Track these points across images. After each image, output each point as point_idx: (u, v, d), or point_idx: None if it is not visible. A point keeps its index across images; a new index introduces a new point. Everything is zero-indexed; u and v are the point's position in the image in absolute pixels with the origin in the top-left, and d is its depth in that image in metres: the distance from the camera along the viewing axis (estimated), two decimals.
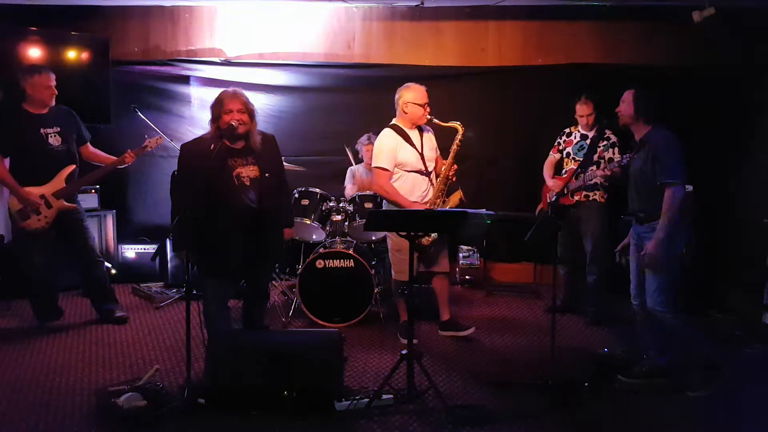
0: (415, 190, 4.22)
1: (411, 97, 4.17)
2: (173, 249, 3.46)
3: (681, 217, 3.42)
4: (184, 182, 3.36)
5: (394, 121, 4.29)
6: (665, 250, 3.38)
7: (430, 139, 4.35)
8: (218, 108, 3.43)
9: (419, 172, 4.23)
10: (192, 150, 3.43)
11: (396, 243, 4.24)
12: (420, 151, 4.23)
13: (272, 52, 6.03)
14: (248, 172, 3.48)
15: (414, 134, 4.24)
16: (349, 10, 5.97)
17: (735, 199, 5.45)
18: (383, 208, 4.38)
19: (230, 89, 3.54)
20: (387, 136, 4.23)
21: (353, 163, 5.62)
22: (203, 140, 3.48)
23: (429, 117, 4.21)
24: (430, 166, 4.28)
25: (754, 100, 5.43)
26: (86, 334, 4.46)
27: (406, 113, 4.20)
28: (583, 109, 4.78)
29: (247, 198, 3.46)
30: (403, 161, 4.18)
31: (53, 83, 4.32)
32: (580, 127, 4.87)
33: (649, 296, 3.49)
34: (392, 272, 4.41)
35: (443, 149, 4.44)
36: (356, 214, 4.95)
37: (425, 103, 4.18)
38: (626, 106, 3.53)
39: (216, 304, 3.54)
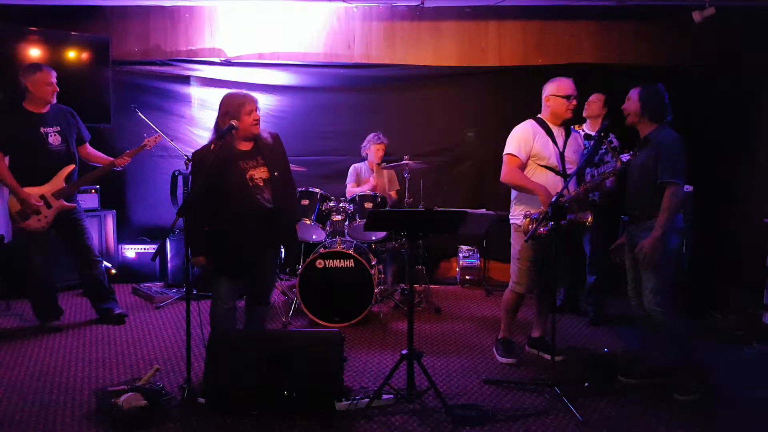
0: (549, 190, 3.71)
1: (553, 88, 3.82)
2: (192, 255, 3.45)
3: (678, 216, 3.43)
4: (199, 187, 3.36)
5: (538, 115, 3.93)
6: (661, 249, 3.38)
7: (576, 142, 3.93)
8: (238, 109, 3.41)
9: (555, 170, 3.77)
10: (203, 155, 3.43)
11: (521, 250, 3.84)
12: (560, 149, 3.81)
13: (272, 52, 6.04)
14: (260, 173, 3.49)
15: (558, 131, 3.84)
16: (349, 10, 5.98)
17: (735, 199, 5.46)
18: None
19: (242, 91, 3.58)
20: (525, 124, 3.88)
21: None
22: (211, 146, 3.48)
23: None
24: (569, 169, 3.79)
25: (754, 100, 5.43)
26: (86, 334, 4.46)
27: (548, 107, 3.85)
28: (596, 97, 4.75)
29: (263, 198, 3.48)
30: (538, 153, 3.77)
31: (54, 80, 4.33)
32: (584, 127, 4.86)
33: (645, 295, 3.50)
34: (510, 284, 3.97)
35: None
36: (356, 214, 4.95)
37: (569, 95, 3.78)
38: (632, 103, 3.54)
39: (226, 305, 3.55)
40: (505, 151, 3.86)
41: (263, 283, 3.75)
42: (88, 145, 4.65)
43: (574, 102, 3.82)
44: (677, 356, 3.54)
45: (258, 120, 3.47)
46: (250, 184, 3.46)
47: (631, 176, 3.61)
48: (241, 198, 3.44)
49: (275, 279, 4.04)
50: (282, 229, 3.61)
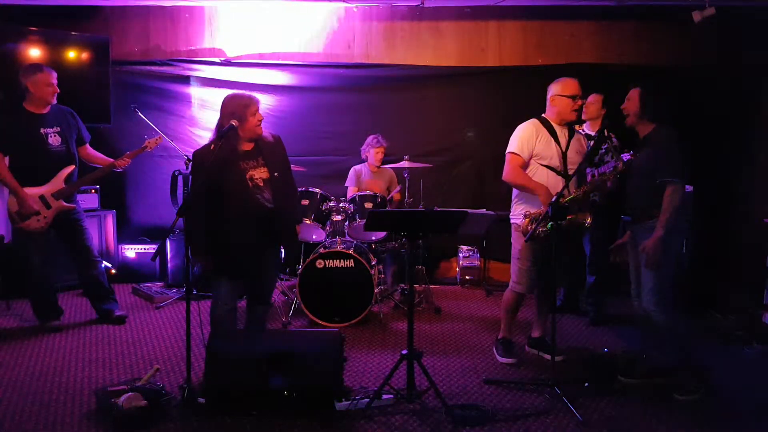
0: (550, 190, 3.70)
1: (558, 88, 3.82)
2: (192, 254, 3.45)
3: (679, 216, 3.43)
4: (200, 187, 3.37)
5: (542, 115, 3.93)
6: (663, 248, 3.38)
7: (579, 143, 3.92)
8: (243, 109, 3.42)
9: (556, 170, 3.77)
10: (203, 155, 3.44)
11: (522, 250, 3.84)
12: (563, 149, 3.81)
13: (272, 52, 6.04)
14: (260, 173, 3.50)
15: (561, 131, 3.84)
16: (349, 10, 5.98)
17: (735, 199, 5.46)
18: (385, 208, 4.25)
19: (245, 92, 3.58)
20: (528, 123, 3.87)
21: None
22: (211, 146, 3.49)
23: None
24: (571, 170, 3.77)
25: (754, 100, 5.43)
26: (86, 334, 4.46)
27: (554, 107, 3.84)
28: (594, 98, 4.76)
29: (263, 198, 3.49)
30: (540, 152, 3.78)
31: (55, 81, 4.33)
32: (584, 127, 4.86)
33: (644, 295, 3.50)
34: (510, 283, 3.97)
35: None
36: (356, 214, 4.95)
37: (574, 95, 3.78)
38: (632, 103, 3.54)
39: (226, 305, 3.55)
40: (508, 150, 3.87)
41: (264, 283, 3.74)
42: (88, 146, 4.64)
43: (579, 102, 3.83)
44: (677, 356, 3.54)
45: (261, 120, 3.49)
46: (250, 184, 3.47)
47: (632, 176, 3.61)
48: (241, 198, 3.45)
49: (276, 279, 4.04)
50: (282, 229, 3.62)
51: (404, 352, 3.36)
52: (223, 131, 3.36)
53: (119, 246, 5.86)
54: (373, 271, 4.72)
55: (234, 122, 3.37)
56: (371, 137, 5.52)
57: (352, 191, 5.44)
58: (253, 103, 3.46)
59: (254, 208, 3.46)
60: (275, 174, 3.53)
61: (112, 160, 4.58)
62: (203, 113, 5.95)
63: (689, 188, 4.74)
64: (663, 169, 3.38)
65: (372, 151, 5.49)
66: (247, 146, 3.51)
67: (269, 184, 3.51)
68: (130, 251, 5.87)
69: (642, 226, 3.52)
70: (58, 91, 4.37)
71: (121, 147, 4.81)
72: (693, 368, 3.50)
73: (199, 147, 3.62)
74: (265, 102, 5.91)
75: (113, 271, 5.59)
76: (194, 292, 4.78)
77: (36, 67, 4.38)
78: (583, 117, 4.78)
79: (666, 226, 3.37)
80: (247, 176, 3.47)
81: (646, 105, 3.48)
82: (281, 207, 3.54)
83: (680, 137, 3.46)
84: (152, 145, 4.64)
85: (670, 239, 3.41)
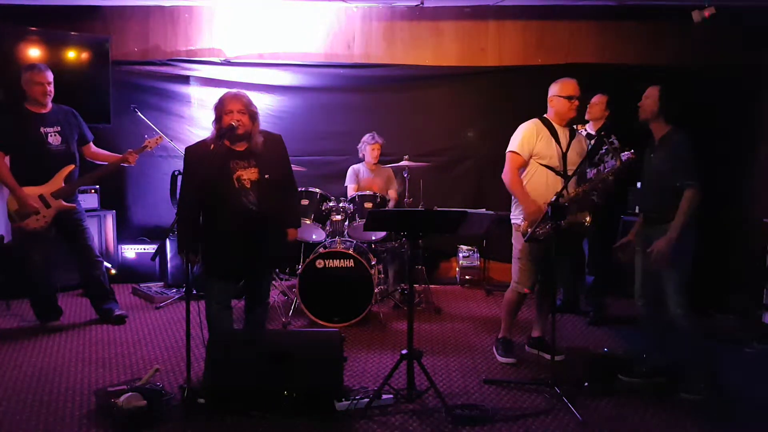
0: (549, 190, 3.69)
1: (556, 89, 3.85)
2: (177, 251, 3.45)
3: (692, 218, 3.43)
4: (188, 184, 3.38)
5: (544, 115, 3.95)
6: (675, 249, 3.37)
7: (580, 145, 3.94)
8: (219, 109, 3.43)
9: (556, 170, 3.80)
10: (195, 152, 3.44)
11: (522, 250, 3.87)
12: (563, 150, 3.84)
13: (272, 52, 6.03)
14: (249, 174, 3.47)
15: (562, 132, 3.86)
16: (349, 10, 5.98)
17: (735, 199, 5.45)
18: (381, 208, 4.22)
19: (233, 91, 3.55)
20: (529, 122, 3.90)
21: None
22: (206, 143, 3.48)
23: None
24: (570, 170, 3.79)
25: (754, 100, 5.43)
26: (86, 334, 4.46)
27: (552, 107, 3.88)
28: (598, 98, 4.76)
29: (248, 201, 3.45)
30: (540, 152, 3.80)
31: (46, 80, 4.30)
32: (587, 127, 4.86)
33: (669, 296, 3.45)
34: (511, 284, 3.98)
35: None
36: (356, 214, 4.95)
37: (571, 95, 3.80)
38: (651, 102, 3.50)
39: (218, 305, 3.54)
40: (508, 149, 3.89)
41: (256, 284, 3.72)
42: (92, 144, 4.65)
43: (576, 102, 3.84)
44: (692, 356, 3.51)
45: (238, 120, 3.38)
46: (236, 185, 3.43)
47: (648, 178, 3.60)
48: (226, 198, 3.43)
49: (269, 279, 4.01)
50: (268, 232, 3.55)
51: (404, 352, 3.36)
52: (223, 130, 3.35)
53: (119, 246, 5.86)
54: (373, 271, 4.72)
55: (234, 122, 3.37)
56: (367, 135, 5.53)
57: (352, 190, 5.44)
58: (227, 102, 3.40)
59: (237, 210, 3.43)
60: (266, 176, 3.49)
61: (119, 155, 4.57)
62: (203, 113, 5.94)
63: None
64: (683, 172, 3.37)
65: (368, 148, 5.49)
66: (240, 146, 3.49)
67: (257, 187, 3.47)
68: (130, 251, 5.87)
69: (656, 228, 3.48)
70: (50, 90, 4.34)
71: (121, 147, 4.81)
72: (705, 370, 3.48)
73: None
74: (265, 102, 5.92)
75: (113, 271, 5.58)
76: (194, 292, 4.76)
77: (29, 66, 4.38)
78: (587, 117, 4.79)
79: (681, 228, 3.35)
80: (235, 176, 3.44)
81: (664, 105, 3.46)
82: (267, 210, 3.49)
83: (696, 141, 3.44)
84: (153, 145, 4.65)
85: (686, 239, 3.39)
